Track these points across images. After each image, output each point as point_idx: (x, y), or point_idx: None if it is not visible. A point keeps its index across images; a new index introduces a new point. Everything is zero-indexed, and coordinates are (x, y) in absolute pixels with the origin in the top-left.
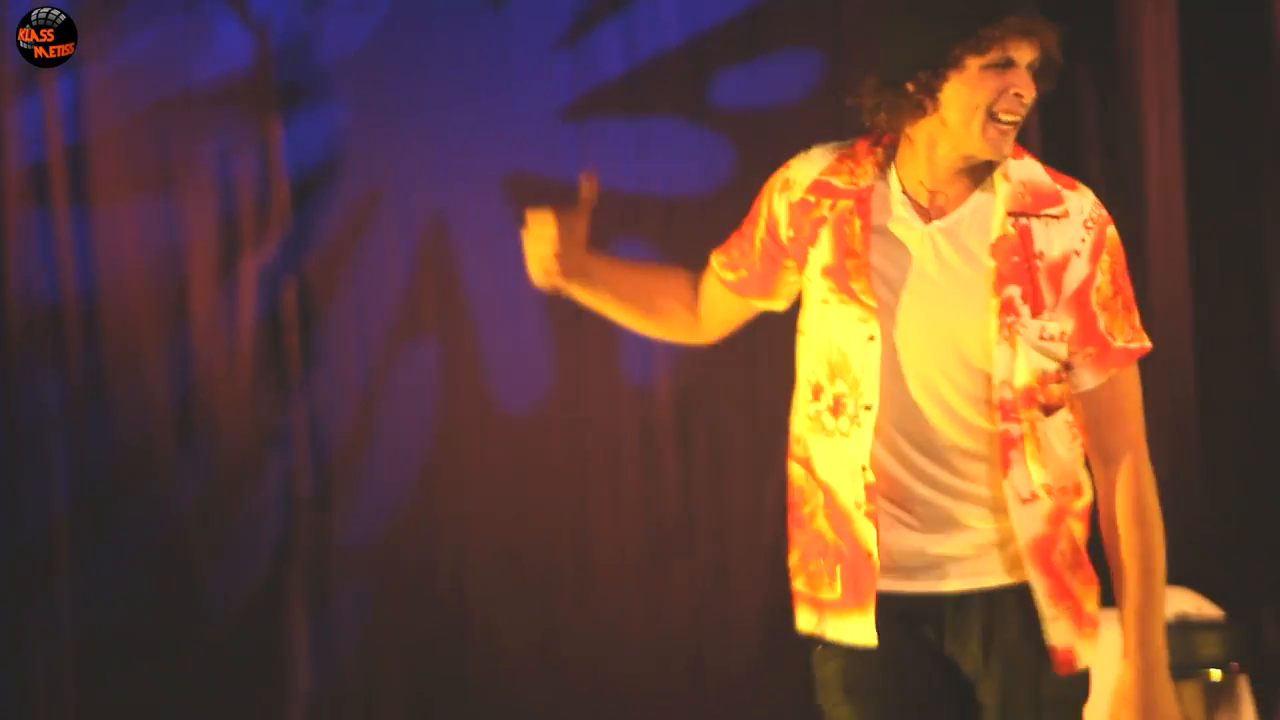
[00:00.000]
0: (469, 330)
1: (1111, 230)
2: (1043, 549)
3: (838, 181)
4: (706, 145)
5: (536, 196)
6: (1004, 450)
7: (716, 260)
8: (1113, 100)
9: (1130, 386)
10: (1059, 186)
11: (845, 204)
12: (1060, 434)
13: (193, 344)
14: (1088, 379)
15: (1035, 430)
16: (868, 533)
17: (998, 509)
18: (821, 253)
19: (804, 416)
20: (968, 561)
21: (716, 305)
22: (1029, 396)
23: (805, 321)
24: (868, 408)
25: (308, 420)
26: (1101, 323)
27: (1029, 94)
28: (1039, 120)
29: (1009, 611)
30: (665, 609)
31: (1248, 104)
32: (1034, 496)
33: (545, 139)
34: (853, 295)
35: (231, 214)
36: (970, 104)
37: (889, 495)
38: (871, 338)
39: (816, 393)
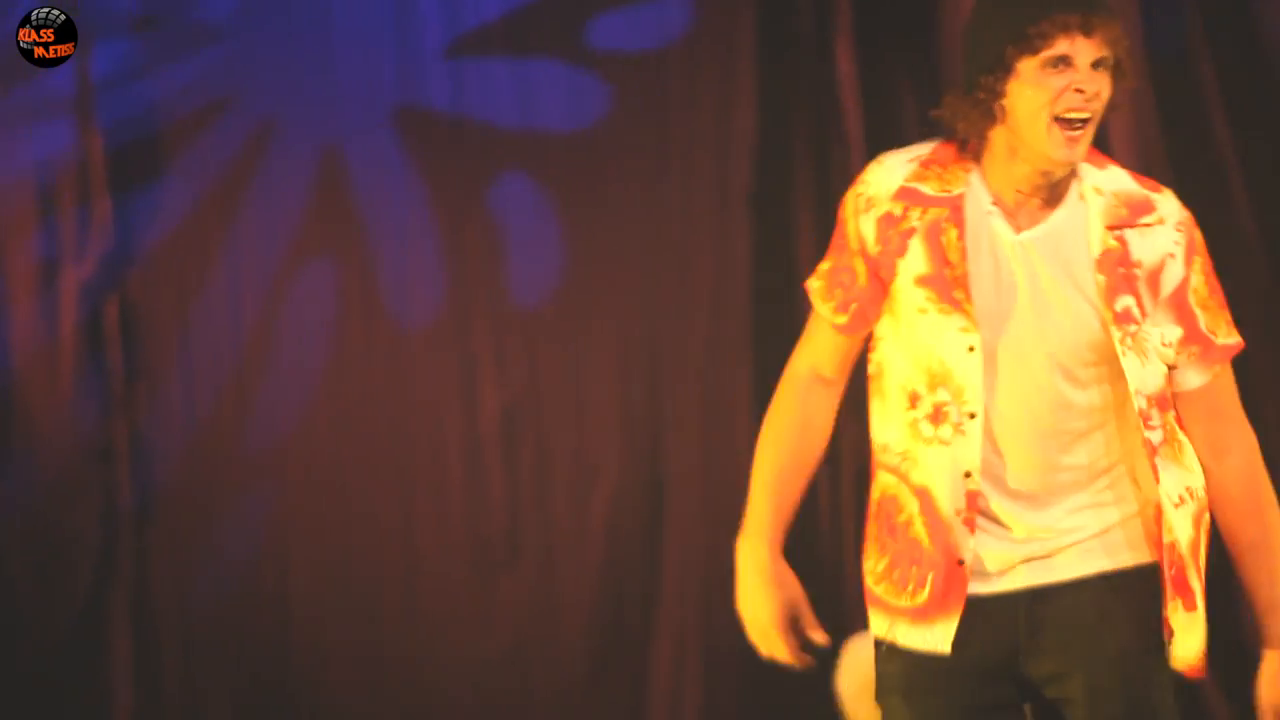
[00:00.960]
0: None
1: (1197, 232)
2: (1195, 551)
3: (927, 189)
4: (583, 86)
5: (424, 130)
6: (1149, 457)
7: (825, 309)
8: None
9: (1230, 382)
10: (1148, 193)
11: (938, 212)
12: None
13: (11, 359)
14: (1194, 378)
15: (1174, 434)
16: (964, 540)
17: (1084, 507)
18: (914, 262)
19: (900, 425)
20: (1050, 558)
21: (839, 354)
22: (1163, 401)
23: (889, 329)
24: (972, 415)
25: (129, 436)
26: (1203, 322)
27: (1095, 90)
28: None
29: (1091, 603)
30: (490, 622)
31: None
32: (1183, 500)
33: (429, 76)
34: (955, 305)
35: (51, 226)
36: (1033, 106)
37: (981, 504)
38: (972, 348)
39: (914, 401)
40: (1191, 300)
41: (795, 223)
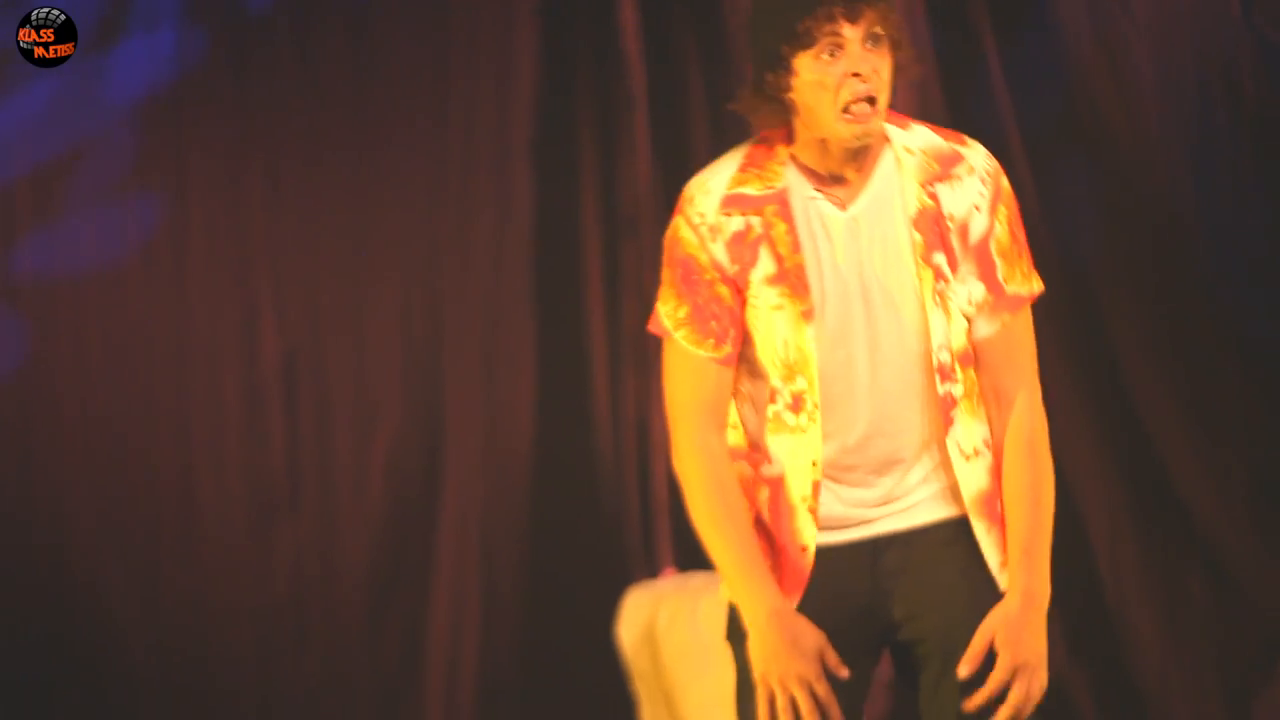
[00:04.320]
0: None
1: (1005, 180)
2: (989, 503)
3: (750, 190)
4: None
5: None
6: (945, 410)
7: (704, 349)
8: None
9: (1024, 331)
10: (954, 145)
11: (770, 209)
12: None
13: None
14: (983, 326)
15: (971, 389)
16: (808, 529)
17: (937, 464)
18: (764, 266)
19: (759, 422)
20: (899, 504)
21: (727, 387)
22: (965, 357)
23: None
24: (817, 405)
25: None
26: (1000, 271)
27: (872, 68)
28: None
29: (943, 548)
30: (269, 567)
31: None
32: (976, 452)
33: None
34: (797, 295)
35: None
36: (819, 99)
37: (832, 476)
38: (815, 335)
39: (773, 396)
40: (993, 248)
41: (578, 173)
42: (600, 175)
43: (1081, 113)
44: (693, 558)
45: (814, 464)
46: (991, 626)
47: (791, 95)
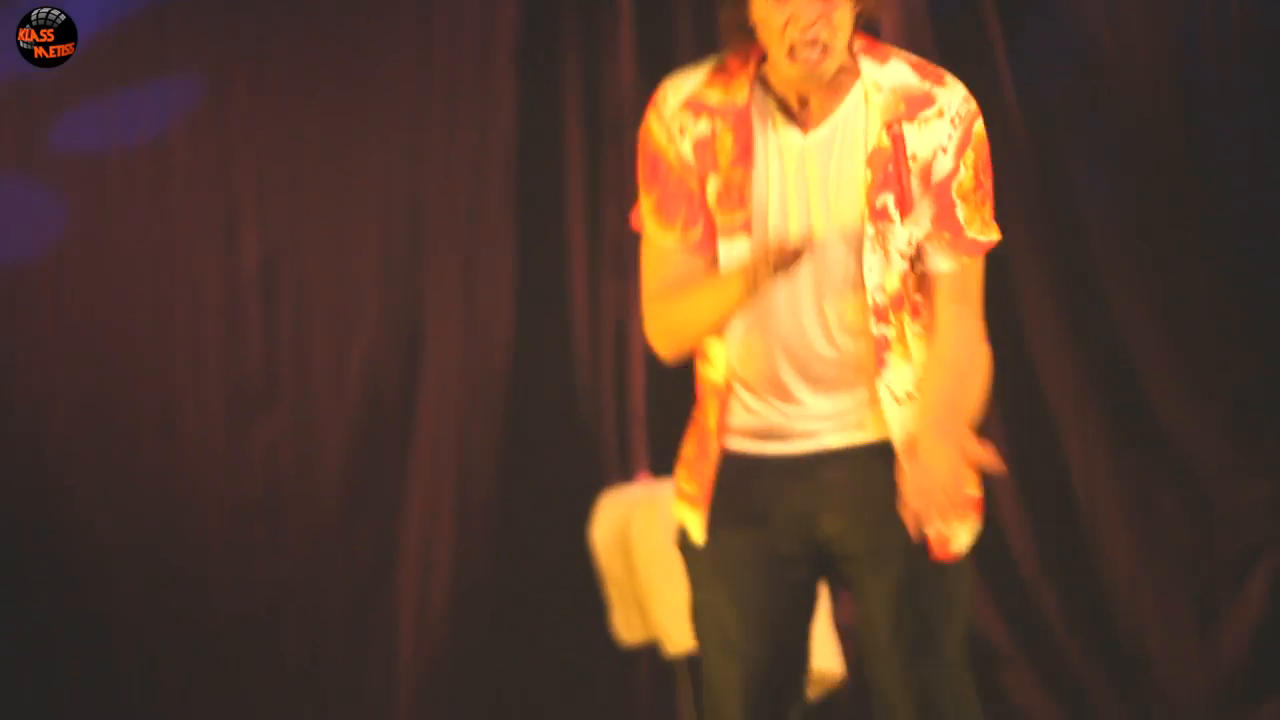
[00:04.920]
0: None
1: (979, 125)
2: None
3: (712, 98)
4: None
5: None
6: (879, 352)
7: (671, 237)
8: None
9: (975, 276)
10: (929, 85)
11: (724, 121)
12: (924, 338)
13: None
14: (941, 262)
15: (905, 333)
16: (721, 427)
17: (870, 401)
18: (714, 181)
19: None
20: (840, 420)
21: (694, 277)
22: (899, 300)
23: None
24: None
25: None
26: (960, 212)
27: (813, 17)
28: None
29: (880, 467)
30: (245, 464)
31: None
32: (909, 396)
33: None
34: (729, 207)
35: None
36: (769, 35)
37: (770, 390)
38: (751, 247)
39: None
40: (954, 191)
41: (561, 79)
42: (583, 81)
43: (1068, 32)
44: (668, 464)
45: (731, 366)
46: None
47: (750, 26)
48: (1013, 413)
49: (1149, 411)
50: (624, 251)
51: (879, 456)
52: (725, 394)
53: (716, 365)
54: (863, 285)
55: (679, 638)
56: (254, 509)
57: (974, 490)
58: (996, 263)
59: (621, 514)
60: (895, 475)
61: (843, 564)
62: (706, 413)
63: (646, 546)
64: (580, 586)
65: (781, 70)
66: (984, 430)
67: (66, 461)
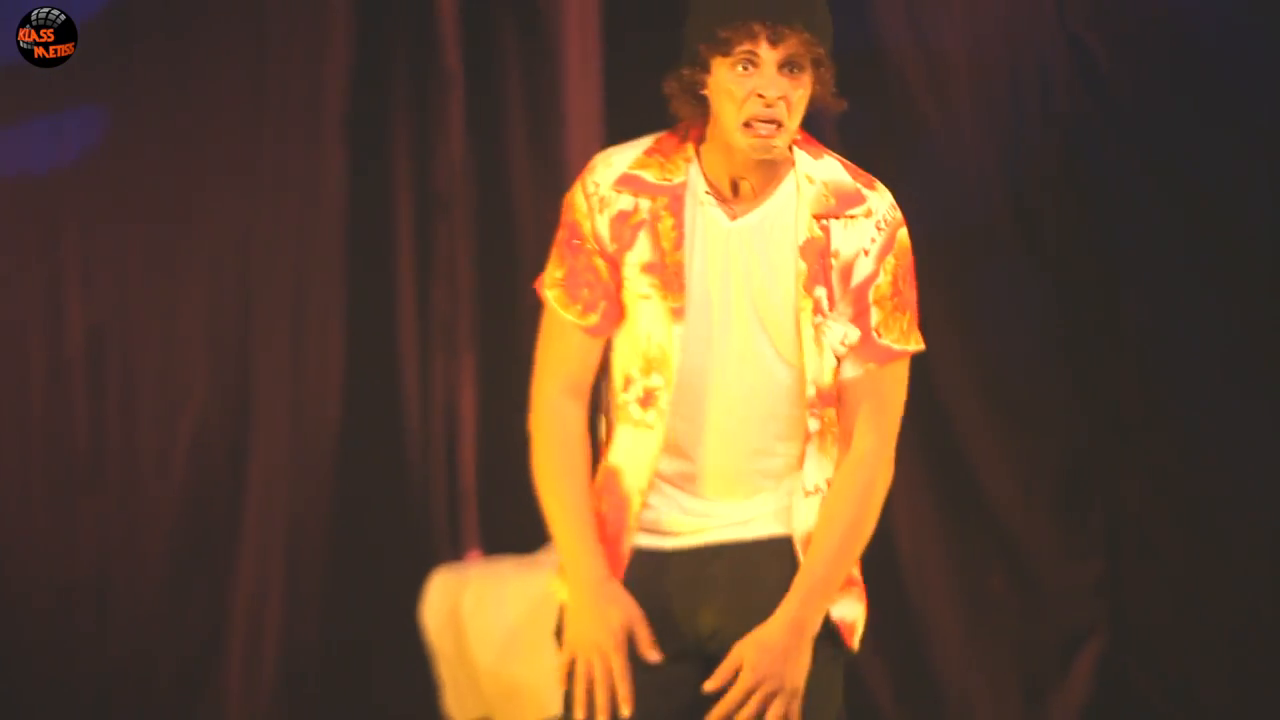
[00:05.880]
0: None
1: (903, 233)
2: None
3: (648, 176)
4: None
5: None
6: (803, 444)
7: (571, 313)
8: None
9: (890, 384)
10: (859, 186)
11: (660, 200)
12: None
13: None
14: (848, 368)
15: (827, 432)
16: (634, 525)
17: (786, 492)
18: (640, 252)
19: (613, 405)
20: (737, 517)
21: (590, 358)
22: (828, 396)
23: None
24: (667, 406)
25: None
26: (873, 317)
27: (779, 94)
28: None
29: (770, 564)
30: (71, 543)
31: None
32: (817, 490)
33: None
34: (671, 292)
35: None
36: (726, 107)
37: (676, 483)
38: (682, 335)
39: (627, 384)
40: (870, 295)
41: (391, 151)
42: (414, 154)
43: (896, 113)
44: (499, 542)
45: (650, 464)
46: (744, 645)
47: (705, 93)
48: None
49: (976, 489)
50: (454, 328)
51: (770, 553)
52: (644, 492)
53: (617, 450)
54: (790, 380)
55: (510, 718)
56: (80, 588)
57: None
58: None
59: (453, 592)
60: (785, 571)
61: (715, 658)
62: (615, 508)
63: (478, 626)
64: (411, 666)
65: (733, 141)
66: None
67: None
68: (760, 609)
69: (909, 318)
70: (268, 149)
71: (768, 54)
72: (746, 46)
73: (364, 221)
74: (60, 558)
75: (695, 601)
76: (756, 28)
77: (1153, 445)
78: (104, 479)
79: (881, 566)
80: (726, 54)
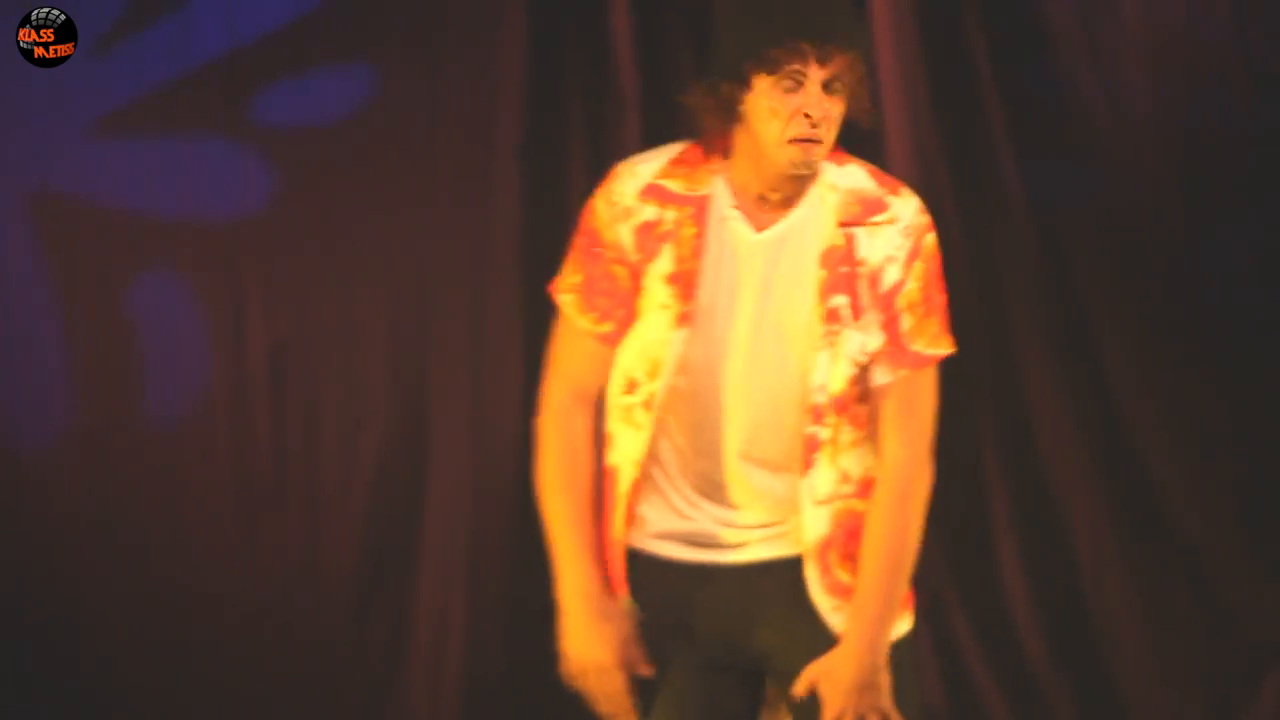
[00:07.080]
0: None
1: (930, 237)
2: (824, 551)
3: (673, 186)
4: (247, 166)
5: (66, 218)
6: (807, 452)
7: (585, 321)
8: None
9: (920, 389)
10: (884, 192)
11: (686, 210)
12: (861, 443)
13: None
14: (880, 374)
15: (838, 438)
16: (620, 525)
17: (791, 503)
18: (664, 263)
19: (615, 408)
20: (773, 530)
21: (601, 366)
22: (840, 404)
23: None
24: (656, 408)
25: None
26: (903, 324)
27: (823, 113)
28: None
29: (793, 583)
30: (257, 567)
31: None
32: (829, 499)
33: (72, 155)
34: (682, 298)
35: None
36: (767, 123)
37: (703, 491)
38: (685, 341)
39: (632, 387)
40: (899, 302)
41: (567, 174)
42: (590, 178)
43: (1074, 126)
44: None
45: (636, 463)
46: (813, 676)
47: (743, 109)
48: (1021, 511)
49: (1159, 510)
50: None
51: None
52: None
53: (615, 450)
54: (801, 390)
55: None
56: (264, 611)
57: (884, 699)
58: (1004, 363)
59: None
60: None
61: (774, 678)
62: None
63: None
64: None
65: (772, 156)
66: (995, 530)
67: (75, 564)
68: (807, 627)
69: (938, 321)
70: (444, 174)
71: (815, 74)
72: (795, 66)
73: (540, 244)
74: (246, 577)
75: (747, 618)
76: (806, 47)
77: None
78: (287, 501)
79: (1064, 589)
80: (772, 72)
